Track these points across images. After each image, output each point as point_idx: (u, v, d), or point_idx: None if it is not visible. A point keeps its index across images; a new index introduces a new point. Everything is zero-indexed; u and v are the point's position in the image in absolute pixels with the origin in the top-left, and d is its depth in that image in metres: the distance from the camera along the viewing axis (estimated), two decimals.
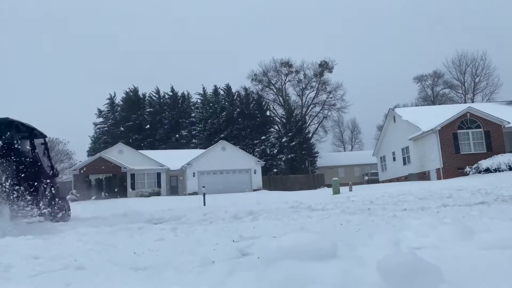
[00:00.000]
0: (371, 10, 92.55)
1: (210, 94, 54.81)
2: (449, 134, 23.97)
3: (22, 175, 7.71)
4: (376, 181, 36.46)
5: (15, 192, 7.24)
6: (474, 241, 2.39)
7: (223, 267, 2.44)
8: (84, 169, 32.02)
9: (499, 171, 20.87)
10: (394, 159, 31.26)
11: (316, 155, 50.66)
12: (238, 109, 50.62)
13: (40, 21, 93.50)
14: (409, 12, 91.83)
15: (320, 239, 2.20)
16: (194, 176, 33.12)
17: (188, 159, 33.77)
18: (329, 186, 29.86)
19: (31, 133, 9.19)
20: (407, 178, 27.94)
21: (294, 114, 51.84)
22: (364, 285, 1.74)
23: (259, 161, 35.70)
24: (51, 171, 9.30)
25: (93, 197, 24.65)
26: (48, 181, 8.95)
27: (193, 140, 50.42)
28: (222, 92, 54.16)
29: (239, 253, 2.98)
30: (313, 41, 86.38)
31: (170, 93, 55.45)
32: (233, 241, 3.62)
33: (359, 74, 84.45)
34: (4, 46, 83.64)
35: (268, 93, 57.33)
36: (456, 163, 23.60)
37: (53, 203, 8.52)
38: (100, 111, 53.48)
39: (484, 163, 21.78)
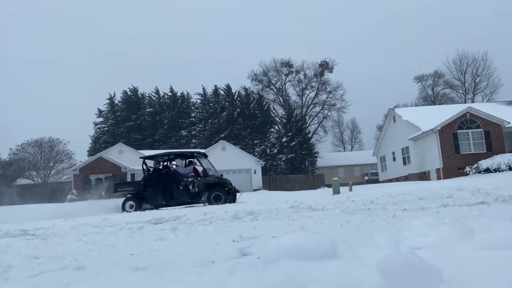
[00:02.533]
0: (371, 10, 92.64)
1: (210, 94, 54.82)
2: (449, 134, 23.98)
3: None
4: (376, 181, 36.48)
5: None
6: (474, 241, 2.39)
7: (223, 267, 2.44)
8: (84, 169, 32.02)
9: (499, 171, 20.87)
10: (394, 159, 31.26)
11: (316, 155, 50.66)
12: (238, 109, 50.62)
13: (40, 21, 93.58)
14: (410, 12, 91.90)
15: (320, 239, 2.20)
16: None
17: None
18: (329, 186, 29.87)
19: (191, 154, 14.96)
20: (407, 178, 27.95)
21: (294, 114, 51.86)
22: (364, 285, 1.74)
23: (259, 161, 35.70)
24: (203, 173, 13.96)
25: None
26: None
27: (193, 140, 50.43)
28: (222, 92, 54.16)
29: (239, 253, 2.98)
30: (314, 41, 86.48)
31: (170, 93, 55.43)
32: (233, 241, 3.61)
33: (359, 74, 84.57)
34: (5, 46, 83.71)
35: (268, 93, 57.42)
36: (456, 163, 23.61)
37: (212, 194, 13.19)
38: (100, 111, 53.50)
39: (484, 163, 21.78)
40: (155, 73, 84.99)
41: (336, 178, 19.40)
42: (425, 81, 58.34)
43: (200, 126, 51.57)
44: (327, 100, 56.59)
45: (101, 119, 53.08)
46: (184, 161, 14.41)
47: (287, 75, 57.05)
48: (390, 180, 30.72)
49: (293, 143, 47.01)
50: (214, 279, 2.22)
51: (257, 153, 45.92)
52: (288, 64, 56.12)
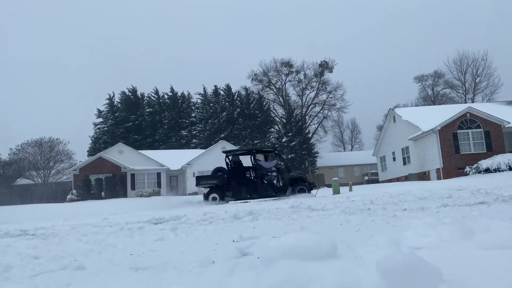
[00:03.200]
0: (371, 10, 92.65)
1: (210, 94, 54.81)
2: (449, 134, 23.97)
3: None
4: (376, 181, 36.46)
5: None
6: (474, 241, 2.39)
7: (223, 267, 2.44)
8: (84, 169, 32.02)
9: (499, 171, 20.87)
10: (394, 159, 31.25)
11: (316, 155, 50.64)
12: (238, 109, 50.64)
13: (40, 21, 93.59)
14: (410, 12, 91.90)
15: (320, 239, 2.19)
16: (194, 176, 33.13)
17: (188, 159, 33.77)
18: (329, 186, 29.85)
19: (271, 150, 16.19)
20: (407, 178, 27.95)
21: (294, 114, 51.86)
22: (364, 285, 1.74)
23: None
24: (286, 168, 14.79)
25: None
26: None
27: (193, 140, 50.43)
28: (222, 92, 54.17)
29: (239, 253, 2.98)
30: (314, 41, 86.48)
31: (170, 93, 55.41)
32: (233, 241, 3.61)
33: (359, 74, 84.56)
34: (5, 46, 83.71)
35: (268, 93, 57.45)
36: (456, 163, 23.60)
37: (293, 186, 14.00)
38: (99, 112, 53.47)
39: (484, 163, 21.77)
40: (155, 73, 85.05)
41: (336, 178, 19.38)
42: (425, 81, 58.38)
43: (200, 126, 51.56)
44: (327, 100, 56.66)
45: (100, 120, 53.05)
46: (265, 155, 15.16)
47: (287, 75, 57.09)
48: (390, 180, 30.72)
49: (293, 143, 47.01)
50: (214, 279, 2.22)
51: None
52: (288, 64, 56.13)
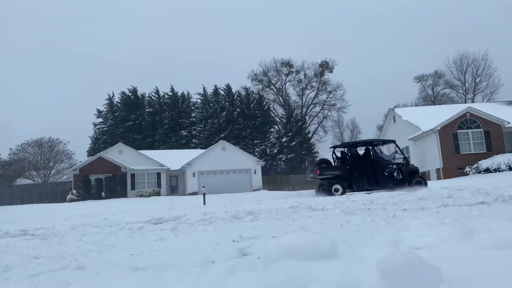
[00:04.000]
0: (371, 10, 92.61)
1: (210, 94, 54.76)
2: (449, 134, 23.97)
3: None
4: None
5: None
6: (474, 241, 2.39)
7: (223, 267, 2.44)
8: (84, 169, 32.02)
9: (499, 171, 20.87)
10: None
11: (316, 155, 50.61)
12: (238, 109, 50.61)
13: (40, 21, 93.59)
14: (410, 12, 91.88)
15: (320, 239, 2.19)
16: (194, 176, 33.12)
17: (188, 159, 33.75)
18: None
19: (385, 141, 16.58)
20: None
21: (294, 114, 51.86)
22: (364, 285, 1.74)
23: (259, 161, 35.66)
24: (405, 160, 14.88)
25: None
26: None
27: (193, 140, 50.40)
28: (222, 92, 54.11)
29: (239, 253, 2.98)
30: (314, 41, 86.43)
31: (170, 93, 55.35)
32: (233, 241, 3.62)
33: (359, 74, 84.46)
34: (5, 46, 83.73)
35: (268, 93, 57.44)
36: (456, 163, 23.60)
37: (409, 178, 14.14)
38: (99, 112, 53.39)
39: (484, 163, 21.78)
40: (155, 73, 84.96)
41: None
42: (425, 81, 58.35)
43: (200, 126, 51.52)
44: (327, 100, 56.65)
45: (100, 120, 52.97)
46: (382, 147, 15.36)
47: (287, 75, 57.08)
48: None
49: (293, 143, 47.00)
50: (214, 279, 2.22)
51: (257, 153, 45.90)
52: (288, 64, 56.14)
